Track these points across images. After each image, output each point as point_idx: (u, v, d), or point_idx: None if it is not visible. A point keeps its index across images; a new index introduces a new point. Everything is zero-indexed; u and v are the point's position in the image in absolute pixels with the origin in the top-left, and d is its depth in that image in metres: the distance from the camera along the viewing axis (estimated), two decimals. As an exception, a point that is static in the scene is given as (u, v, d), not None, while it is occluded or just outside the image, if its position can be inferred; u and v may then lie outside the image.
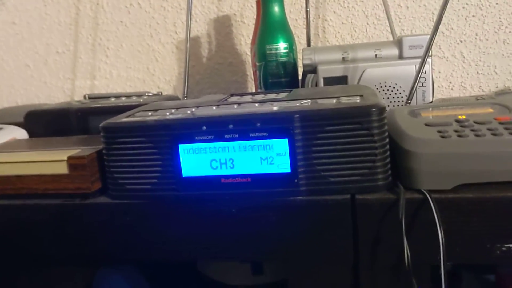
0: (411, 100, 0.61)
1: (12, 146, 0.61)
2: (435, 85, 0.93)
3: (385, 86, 0.68)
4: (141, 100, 0.73)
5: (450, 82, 0.95)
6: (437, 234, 0.43)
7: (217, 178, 0.49)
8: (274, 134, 0.47)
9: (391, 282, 0.48)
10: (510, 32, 0.92)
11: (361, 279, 0.49)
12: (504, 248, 0.45)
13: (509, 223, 0.44)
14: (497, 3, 0.91)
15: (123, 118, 0.52)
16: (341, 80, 0.70)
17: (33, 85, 1.11)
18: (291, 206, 0.48)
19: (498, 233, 0.45)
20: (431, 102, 0.69)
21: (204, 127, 0.48)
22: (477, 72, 0.94)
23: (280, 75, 0.78)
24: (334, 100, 0.50)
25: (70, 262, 0.55)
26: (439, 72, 0.95)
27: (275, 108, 0.48)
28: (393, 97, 0.68)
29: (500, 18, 0.92)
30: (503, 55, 0.93)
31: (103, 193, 0.53)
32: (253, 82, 0.94)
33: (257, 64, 0.79)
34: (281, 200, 0.48)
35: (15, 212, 0.54)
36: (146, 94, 0.81)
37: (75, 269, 0.67)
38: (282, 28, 0.78)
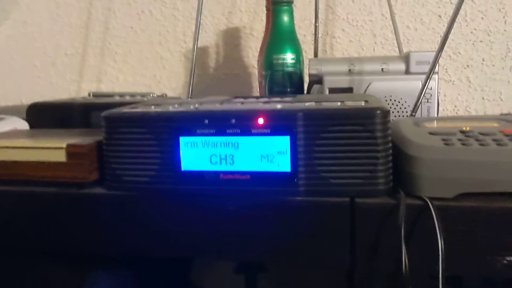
0: (415, 113, 0.61)
1: (12, 134, 0.61)
2: (440, 108, 0.93)
3: (391, 100, 0.68)
4: (145, 99, 0.72)
5: (455, 106, 0.95)
6: (437, 243, 0.42)
7: (216, 173, 0.48)
8: (276, 131, 0.46)
9: (387, 289, 0.47)
10: (517, 59, 0.92)
11: (356, 285, 0.47)
12: (505, 261, 0.44)
13: (511, 235, 0.43)
14: (505, 30, 0.92)
15: (125, 109, 0.52)
16: (347, 91, 0.70)
17: (39, 85, 1.12)
18: (289, 206, 0.47)
19: (499, 245, 0.43)
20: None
21: (206, 121, 0.47)
22: (483, 98, 0.94)
23: (286, 85, 0.78)
24: (339, 103, 0.49)
25: (61, 252, 0.54)
26: (445, 95, 0.95)
27: (279, 106, 0.48)
28: (398, 112, 0.68)
29: (507, 45, 0.92)
30: (509, 81, 0.93)
31: (100, 184, 0.52)
32: (258, 94, 0.94)
33: (263, 73, 0.79)
34: (279, 200, 0.47)
35: (9, 199, 0.53)
36: (151, 94, 0.81)
37: (65, 270, 0.65)
38: (291, 39, 0.78)
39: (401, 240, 0.43)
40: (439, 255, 0.42)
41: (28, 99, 1.12)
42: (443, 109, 0.95)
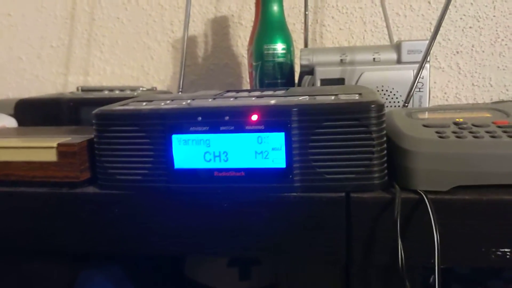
0: (408, 103, 0.61)
1: (0, 133, 0.60)
2: (430, 95, 0.93)
3: (382, 90, 0.68)
4: (135, 94, 0.71)
5: (445, 93, 0.95)
6: (432, 236, 0.42)
7: (210, 171, 0.48)
8: (270, 127, 0.46)
9: (383, 283, 0.47)
10: (506, 45, 0.92)
11: (352, 279, 0.48)
12: (499, 253, 0.44)
13: (505, 228, 0.43)
14: (494, 15, 0.91)
15: (116, 107, 0.51)
16: (339, 82, 0.69)
17: (24, 79, 1.10)
18: (284, 202, 0.47)
19: (493, 237, 0.44)
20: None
21: (200, 118, 0.47)
22: (472, 84, 0.94)
23: (277, 76, 0.77)
24: (333, 97, 0.49)
25: (54, 251, 0.53)
26: (435, 82, 0.95)
27: (272, 102, 0.47)
28: (390, 102, 0.68)
29: (496, 30, 0.92)
30: (498, 67, 0.93)
31: (92, 183, 0.52)
32: (248, 85, 0.93)
33: (254, 64, 0.79)
34: (274, 196, 0.47)
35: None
36: (140, 88, 0.80)
37: (55, 268, 0.65)
38: (281, 29, 0.78)
39: (397, 233, 0.43)
40: (434, 248, 0.42)
41: (14, 93, 1.10)
42: (433, 97, 0.95)
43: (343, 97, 0.48)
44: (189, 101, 0.52)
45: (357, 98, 0.47)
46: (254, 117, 0.46)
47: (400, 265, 0.43)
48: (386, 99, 0.68)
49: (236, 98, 0.52)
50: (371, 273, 0.47)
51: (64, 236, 0.52)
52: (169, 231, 0.49)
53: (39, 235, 0.52)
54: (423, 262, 0.45)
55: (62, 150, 0.50)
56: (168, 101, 0.52)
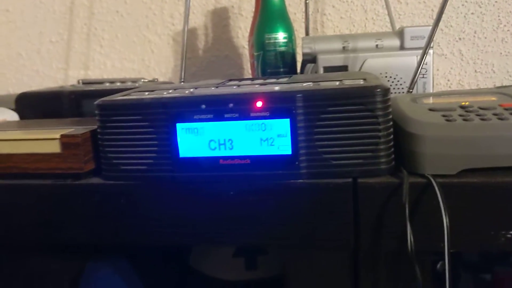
0: (412, 89, 0.60)
1: (2, 126, 0.59)
2: (433, 82, 0.93)
3: (386, 76, 0.67)
4: (137, 85, 0.71)
5: (448, 80, 0.95)
6: (441, 220, 0.42)
7: (216, 159, 0.47)
8: (275, 114, 0.45)
9: (393, 268, 0.47)
10: (508, 30, 0.92)
11: (361, 265, 0.47)
12: (508, 235, 0.44)
13: (514, 210, 0.43)
14: (496, 1, 0.91)
15: (119, 97, 0.50)
16: (341, 69, 0.69)
17: (25, 74, 1.09)
18: (291, 189, 0.46)
19: (503, 220, 0.43)
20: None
21: (204, 106, 0.46)
22: (475, 70, 0.94)
23: (279, 65, 0.77)
24: (337, 83, 0.48)
25: (60, 244, 0.53)
26: (437, 69, 0.95)
27: (276, 88, 0.47)
28: (394, 88, 0.67)
29: (499, 16, 0.91)
30: (501, 53, 0.92)
31: (96, 174, 0.51)
32: (250, 76, 0.92)
33: (255, 54, 0.78)
34: (281, 183, 0.46)
35: (4, 193, 0.52)
36: (142, 80, 0.79)
37: (62, 262, 0.65)
38: (282, 18, 0.77)
39: (405, 218, 0.43)
40: (443, 231, 0.42)
41: (15, 89, 1.10)
42: (436, 84, 0.94)
43: (348, 82, 0.48)
44: (192, 89, 0.51)
45: (361, 83, 0.47)
46: (259, 104, 0.45)
47: (409, 250, 0.43)
48: (390, 85, 0.67)
49: (239, 86, 0.52)
50: (380, 259, 0.47)
51: (70, 229, 0.51)
52: (175, 221, 0.49)
53: (44, 228, 0.52)
54: (432, 247, 0.45)
55: (65, 141, 0.50)
56: (170, 90, 0.52)
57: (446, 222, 0.42)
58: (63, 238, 0.52)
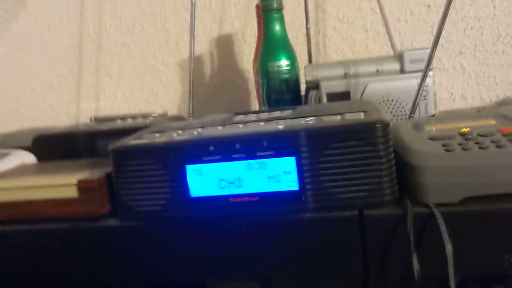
0: (414, 113, 0.62)
1: (20, 171, 0.62)
2: (436, 97, 0.94)
3: (388, 100, 0.69)
4: (147, 121, 0.74)
5: (452, 94, 0.96)
6: (445, 247, 0.44)
7: (225, 197, 0.49)
8: (281, 152, 0.47)
9: (402, 296, 0.48)
10: (508, 42, 0.93)
11: (371, 294, 0.49)
12: (512, 260, 0.45)
13: (516, 235, 0.44)
14: (494, 15, 0.92)
15: (131, 141, 0.53)
16: (344, 95, 0.71)
17: (38, 109, 1.13)
18: (299, 223, 0.48)
19: (505, 245, 0.45)
20: (433, 115, 0.70)
21: (212, 148, 0.48)
22: (478, 83, 0.95)
23: (283, 92, 0.79)
24: (339, 117, 0.50)
25: (80, 285, 0.55)
26: (440, 84, 0.96)
27: (280, 127, 0.49)
28: (396, 111, 0.69)
29: (498, 29, 0.93)
30: (502, 65, 0.94)
31: (112, 216, 0.54)
32: (256, 100, 0.95)
33: (260, 81, 0.80)
34: (289, 218, 0.48)
35: (24, 238, 0.54)
36: (152, 115, 0.82)
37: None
38: (284, 46, 0.79)
39: (411, 247, 0.45)
40: (448, 258, 0.43)
41: (29, 123, 1.13)
42: (440, 98, 0.96)
43: (349, 117, 0.50)
44: (200, 129, 0.53)
45: (362, 117, 0.49)
46: (265, 144, 0.47)
47: (416, 277, 0.44)
48: (392, 109, 0.69)
49: (245, 124, 0.54)
50: (388, 286, 0.48)
51: (88, 269, 0.54)
52: (189, 258, 0.51)
53: (63, 270, 0.54)
54: (438, 273, 0.46)
55: (82, 186, 0.52)
56: (179, 131, 0.54)
57: (450, 249, 0.43)
58: (82, 278, 0.54)
